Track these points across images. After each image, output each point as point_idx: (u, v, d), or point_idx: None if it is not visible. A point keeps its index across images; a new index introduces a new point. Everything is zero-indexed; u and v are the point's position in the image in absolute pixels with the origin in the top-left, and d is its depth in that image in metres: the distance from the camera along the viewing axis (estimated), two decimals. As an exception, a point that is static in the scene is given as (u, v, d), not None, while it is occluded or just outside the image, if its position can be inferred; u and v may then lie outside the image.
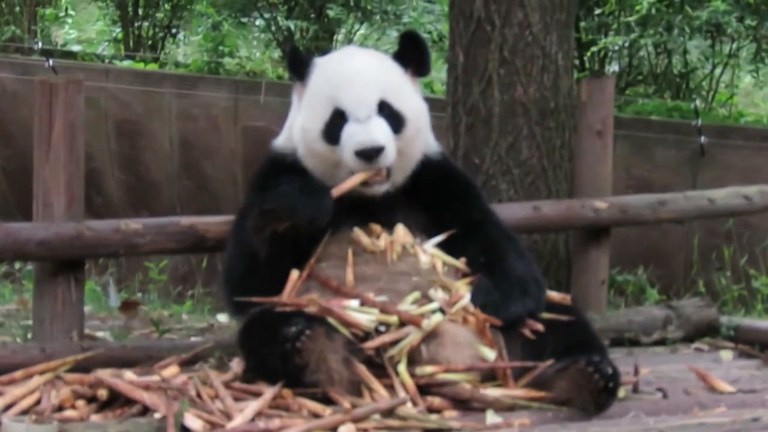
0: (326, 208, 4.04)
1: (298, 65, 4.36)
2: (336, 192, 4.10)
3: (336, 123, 4.19)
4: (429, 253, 4.18)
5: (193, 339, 5.27)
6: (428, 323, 3.89)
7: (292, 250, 4.11)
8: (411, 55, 4.36)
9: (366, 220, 4.21)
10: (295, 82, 4.41)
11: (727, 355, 5.21)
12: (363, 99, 4.18)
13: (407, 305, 3.99)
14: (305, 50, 5.96)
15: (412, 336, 3.88)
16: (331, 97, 4.21)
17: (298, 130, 4.30)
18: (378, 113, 4.18)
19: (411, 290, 4.05)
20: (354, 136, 4.13)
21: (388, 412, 3.59)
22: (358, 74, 4.24)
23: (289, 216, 3.98)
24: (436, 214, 4.33)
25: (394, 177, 4.23)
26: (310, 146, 4.26)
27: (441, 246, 4.24)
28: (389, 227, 4.21)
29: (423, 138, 4.34)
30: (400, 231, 4.19)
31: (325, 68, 4.32)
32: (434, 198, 4.35)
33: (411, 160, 4.29)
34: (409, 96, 4.30)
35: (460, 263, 4.21)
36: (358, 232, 4.17)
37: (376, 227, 4.20)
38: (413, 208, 4.31)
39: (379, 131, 4.14)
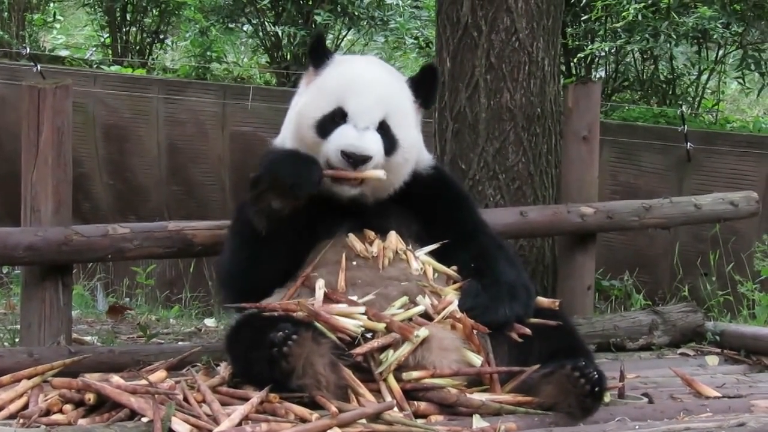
0: (311, 175, 4.06)
1: (319, 53, 4.39)
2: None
3: (333, 120, 4.22)
4: (420, 259, 4.20)
5: (180, 343, 5.28)
6: (418, 336, 3.89)
7: (290, 233, 4.13)
8: (425, 87, 4.42)
9: (361, 227, 4.25)
10: (308, 68, 4.43)
11: (712, 360, 5.23)
12: (369, 112, 4.22)
13: (394, 310, 4.00)
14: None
15: (400, 351, 3.88)
16: (339, 95, 4.24)
17: (296, 112, 4.34)
18: (376, 130, 4.22)
19: (400, 295, 4.07)
20: (347, 137, 4.17)
21: (375, 417, 3.60)
22: (373, 87, 4.27)
23: (274, 181, 4.02)
24: (429, 223, 4.36)
25: (365, 189, 4.24)
26: (300, 131, 4.29)
27: (433, 255, 4.27)
28: (383, 234, 4.24)
29: (408, 167, 4.35)
30: (393, 238, 4.23)
31: (343, 66, 4.36)
32: (428, 208, 4.39)
33: (390, 183, 4.30)
34: (410, 126, 4.34)
35: (451, 271, 4.24)
36: (352, 238, 4.21)
37: (370, 233, 4.24)
38: (407, 217, 4.35)
39: (372, 142, 4.18)
